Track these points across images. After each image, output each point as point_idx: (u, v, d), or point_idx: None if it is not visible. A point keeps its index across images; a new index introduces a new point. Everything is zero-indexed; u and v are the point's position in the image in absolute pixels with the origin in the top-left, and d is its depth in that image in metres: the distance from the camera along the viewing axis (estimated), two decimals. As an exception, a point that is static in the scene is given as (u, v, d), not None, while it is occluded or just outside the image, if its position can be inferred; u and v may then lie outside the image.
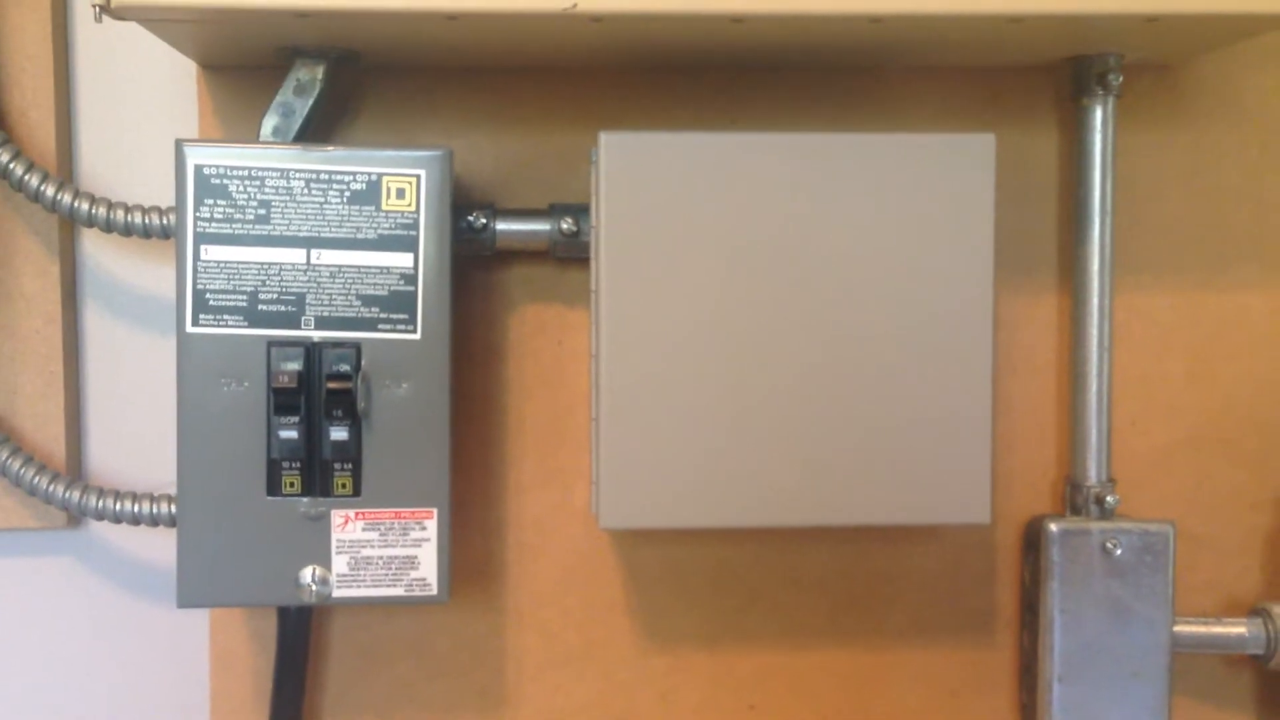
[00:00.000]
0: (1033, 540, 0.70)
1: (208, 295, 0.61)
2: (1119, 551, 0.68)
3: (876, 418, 0.63)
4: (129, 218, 0.65)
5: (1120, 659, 0.68)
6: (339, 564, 0.62)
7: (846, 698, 0.73)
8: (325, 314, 0.61)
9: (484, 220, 0.67)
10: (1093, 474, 0.69)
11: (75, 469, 0.70)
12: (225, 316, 0.61)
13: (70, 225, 0.70)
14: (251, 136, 0.67)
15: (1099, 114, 0.69)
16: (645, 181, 0.62)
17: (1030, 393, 0.72)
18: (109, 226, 0.65)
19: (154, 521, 0.65)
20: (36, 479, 0.65)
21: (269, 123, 0.64)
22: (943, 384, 0.63)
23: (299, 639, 0.67)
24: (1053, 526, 0.68)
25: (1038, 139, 0.72)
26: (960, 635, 0.73)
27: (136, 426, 0.70)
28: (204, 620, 0.71)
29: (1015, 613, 0.73)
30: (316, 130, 0.66)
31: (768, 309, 0.62)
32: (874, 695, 0.73)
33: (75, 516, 0.70)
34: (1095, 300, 0.69)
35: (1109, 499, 0.68)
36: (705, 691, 0.72)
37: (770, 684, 0.72)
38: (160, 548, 0.71)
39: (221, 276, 0.61)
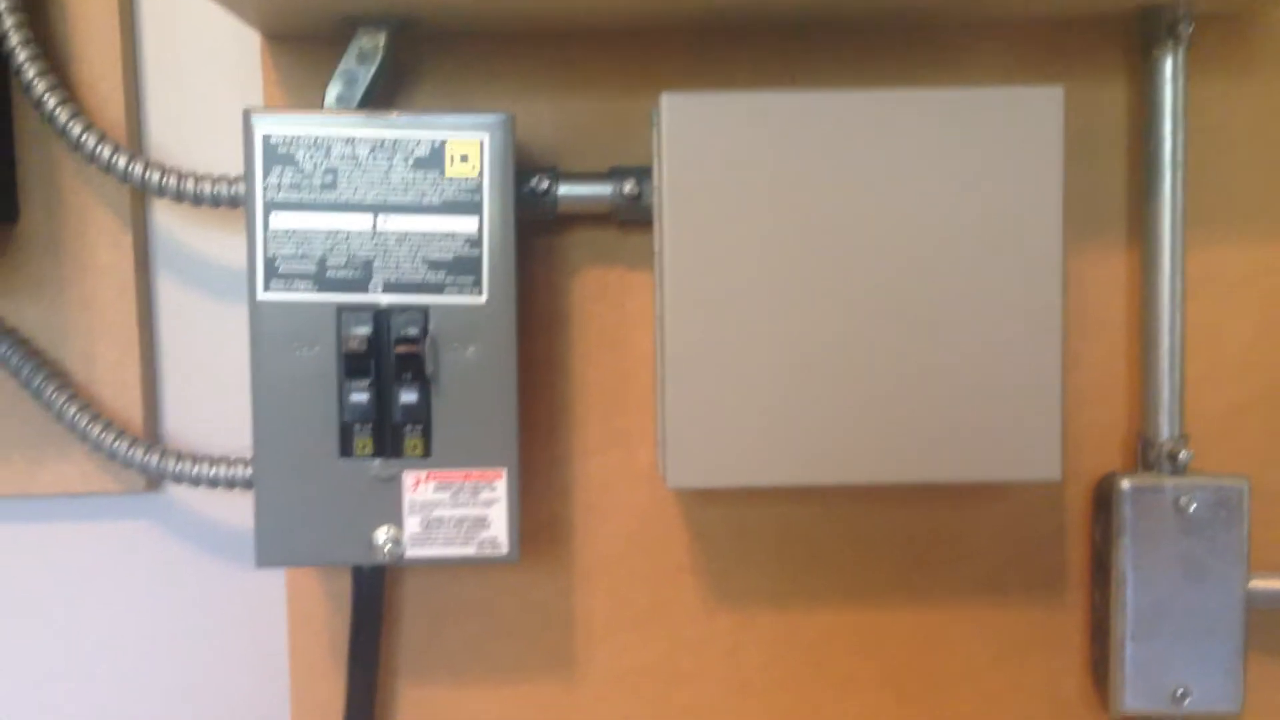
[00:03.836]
0: (1104, 498, 0.70)
1: (277, 262, 0.62)
2: (1192, 508, 0.67)
3: (945, 375, 0.62)
4: (199, 187, 0.66)
5: (1194, 616, 0.67)
6: (411, 524, 0.63)
7: (914, 656, 0.73)
8: (393, 279, 0.62)
9: (546, 184, 0.67)
10: (1165, 430, 0.68)
11: (152, 434, 0.71)
12: (295, 282, 0.62)
13: (141, 196, 0.71)
14: (315, 105, 0.68)
15: (1169, 65, 0.68)
16: (707, 142, 0.62)
17: (1099, 350, 0.71)
18: (179, 196, 0.66)
19: (230, 484, 0.67)
20: (116, 444, 0.67)
21: (333, 91, 0.65)
22: (1012, 340, 0.62)
23: (374, 599, 0.69)
24: (1124, 483, 0.68)
25: (1105, 92, 0.71)
26: (1029, 594, 0.72)
27: (209, 392, 0.72)
28: (281, 581, 0.72)
29: (1085, 571, 0.72)
30: (379, 98, 0.66)
31: (833, 267, 0.62)
32: (942, 654, 0.73)
33: (154, 480, 0.71)
34: (1166, 255, 0.68)
35: (1182, 455, 0.67)
36: (772, 650, 0.73)
37: (837, 643, 0.73)
38: (236, 510, 0.72)
39: (290, 243, 0.62)
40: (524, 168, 0.67)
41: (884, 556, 0.72)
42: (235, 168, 0.69)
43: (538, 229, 0.70)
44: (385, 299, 0.62)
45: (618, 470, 0.71)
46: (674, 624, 0.72)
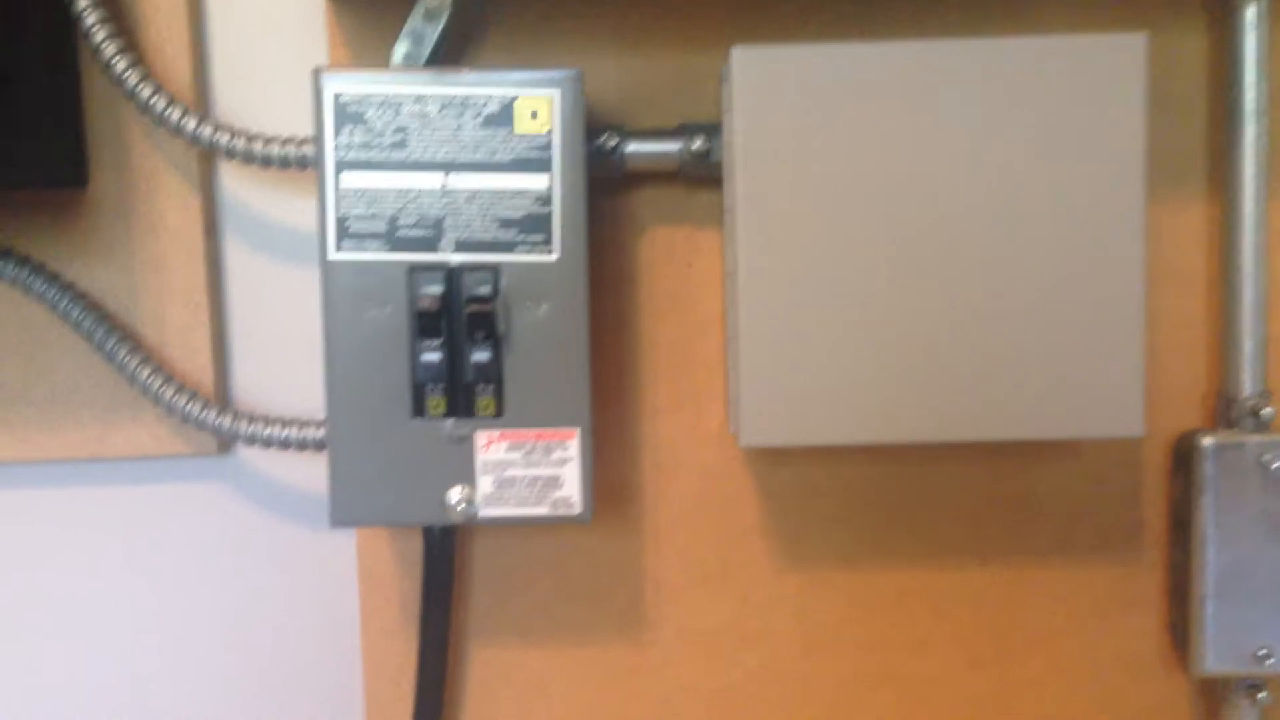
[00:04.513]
0: (1183, 456, 0.68)
1: (348, 222, 0.61)
2: (1275, 465, 0.66)
3: (1024, 331, 0.61)
4: (267, 149, 0.65)
5: (1276, 575, 0.66)
6: (484, 484, 0.63)
7: (988, 617, 0.72)
8: (463, 237, 0.62)
9: (614, 142, 0.66)
10: (1247, 386, 0.67)
11: (222, 397, 0.72)
12: (366, 242, 0.61)
13: (208, 158, 0.71)
14: (380, 65, 0.67)
15: (1251, 11, 0.66)
16: (780, 96, 0.61)
17: (1178, 305, 0.70)
18: (249, 158, 0.66)
19: (302, 446, 0.67)
20: (188, 406, 0.67)
21: (400, 50, 0.65)
22: (1093, 293, 0.61)
23: (444, 560, 0.69)
24: (1206, 441, 0.66)
25: (1184, 40, 0.69)
26: (1105, 553, 0.71)
27: (277, 354, 0.72)
28: (351, 542, 0.73)
29: (1163, 530, 0.71)
30: (445, 57, 0.66)
31: (908, 222, 0.61)
32: (1016, 614, 0.72)
33: (225, 442, 0.72)
34: (1249, 207, 0.67)
35: (1265, 411, 0.66)
36: (842, 611, 0.72)
37: (909, 603, 0.72)
38: (307, 472, 0.73)
39: (361, 203, 0.61)
40: (590, 125, 0.66)
41: (956, 516, 0.71)
42: (299, 129, 0.69)
43: (603, 188, 0.69)
44: (456, 258, 0.62)
45: (686, 430, 0.71)
46: (743, 585, 0.72)
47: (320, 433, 0.67)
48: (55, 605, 0.74)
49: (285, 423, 0.67)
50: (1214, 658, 0.67)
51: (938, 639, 0.72)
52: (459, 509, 0.62)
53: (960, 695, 0.73)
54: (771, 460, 0.71)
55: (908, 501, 0.71)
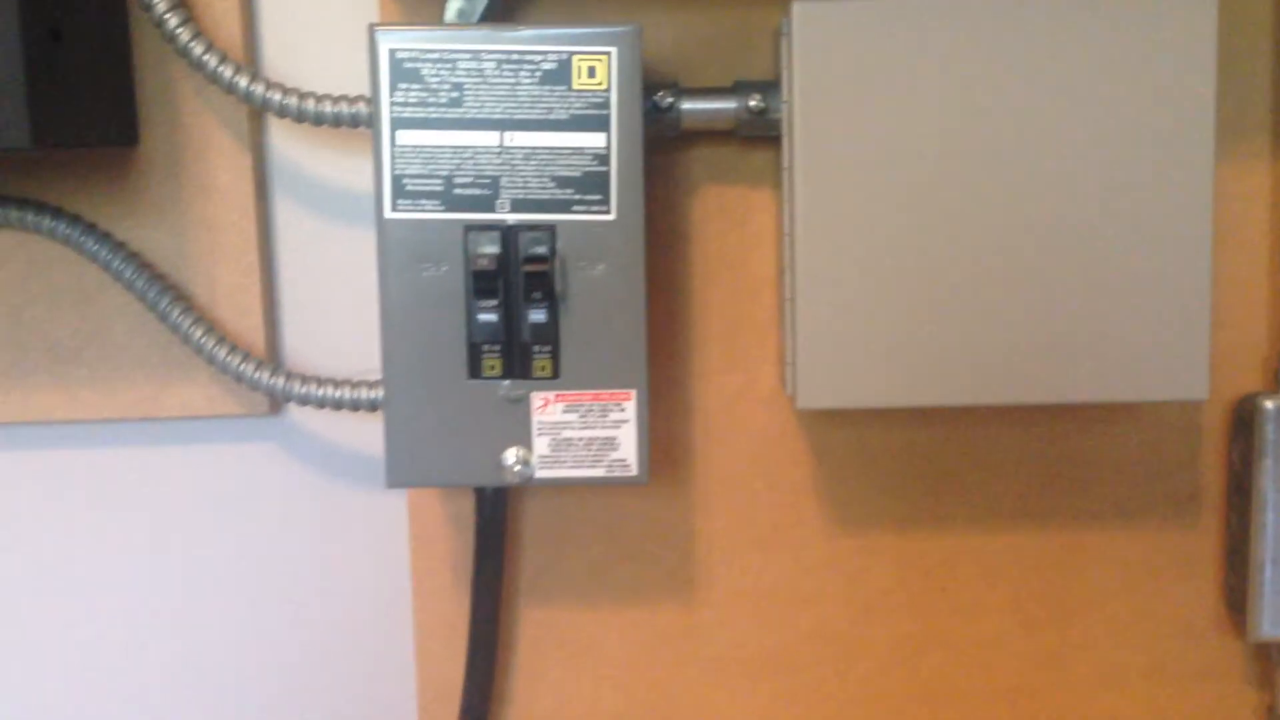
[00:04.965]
0: (1244, 419, 0.67)
1: (405, 180, 0.61)
2: (1340, 429, 0.65)
3: (1087, 292, 0.60)
4: (319, 107, 0.65)
5: (1339, 540, 0.65)
6: (540, 445, 0.62)
7: (1041, 581, 0.72)
8: (520, 196, 0.61)
9: (670, 99, 0.66)
10: (1311, 349, 0.66)
11: (274, 356, 0.71)
12: (422, 201, 0.61)
13: (258, 117, 0.70)
14: (431, 21, 0.67)
15: (1321, -35, 0.65)
16: (839, 52, 0.60)
17: (1239, 267, 0.69)
18: (300, 116, 0.65)
19: (355, 406, 0.67)
20: (241, 366, 0.67)
21: (453, 6, 0.64)
22: (1158, 255, 0.60)
23: (497, 521, 0.69)
24: (1268, 404, 0.65)
25: (1251, -5, 0.67)
26: (1161, 518, 0.71)
27: (329, 315, 0.72)
28: (402, 504, 0.73)
29: (1221, 495, 0.70)
30: (497, 14, 0.65)
31: (971, 179, 0.60)
32: (1070, 578, 0.72)
33: (278, 402, 0.72)
34: (1315, 166, 0.65)
35: (1329, 375, 0.65)
36: (895, 574, 0.72)
37: (962, 567, 0.72)
38: (358, 433, 0.73)
39: (417, 161, 0.61)
40: (644, 83, 0.65)
41: (1010, 479, 0.71)
42: (349, 87, 0.68)
43: (656, 146, 0.69)
44: (512, 217, 0.61)
45: (739, 392, 0.70)
46: (795, 547, 0.72)
47: (372, 393, 0.66)
48: (107, 565, 0.74)
49: (337, 383, 0.67)
50: (1271, 623, 0.67)
51: (990, 602, 0.72)
52: (515, 470, 0.62)
53: (1012, 658, 0.72)
54: (825, 422, 0.71)
55: (962, 465, 0.71)
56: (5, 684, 0.75)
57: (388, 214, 0.61)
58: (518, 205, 0.61)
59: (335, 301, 0.72)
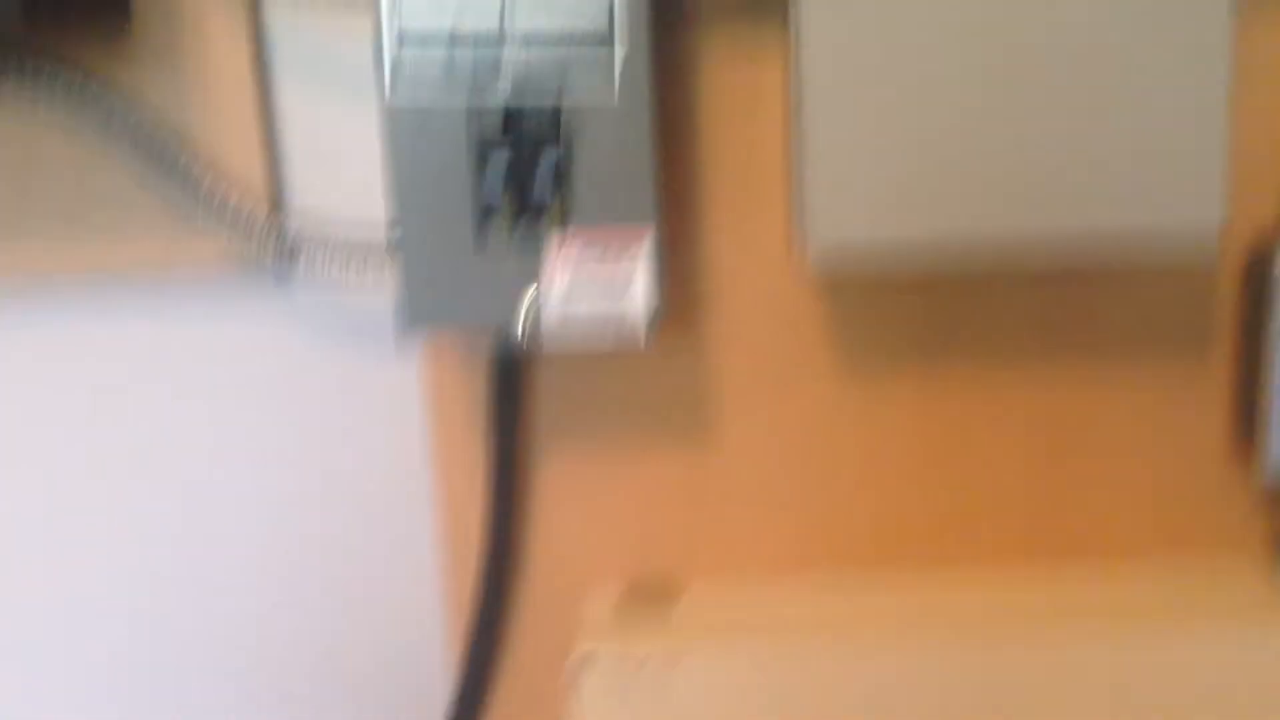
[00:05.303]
0: (1257, 262, 0.67)
1: (409, 18, 0.60)
2: (1355, 258, 0.65)
3: (1103, 114, 0.59)
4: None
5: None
6: (554, 287, 0.62)
7: (1050, 419, 0.72)
8: (529, 29, 0.60)
9: (676, -67, 0.64)
10: (1329, 178, 0.66)
11: (281, 211, 0.71)
12: (429, 39, 0.60)
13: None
14: None
15: None
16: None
17: (1261, 102, 0.67)
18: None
19: (364, 259, 0.66)
20: (251, 219, 0.67)
21: None
22: (1174, 79, 0.59)
23: (511, 370, 0.69)
24: (1283, 238, 0.65)
25: None
26: (1175, 351, 0.71)
27: (335, 186, 0.71)
28: (413, 362, 0.73)
29: (1235, 330, 0.70)
30: None
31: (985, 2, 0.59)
32: (1082, 427, 0.72)
33: (287, 257, 0.71)
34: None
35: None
36: (903, 420, 0.72)
37: (974, 419, 0.72)
38: (367, 289, 0.73)
39: (423, 1, 0.59)
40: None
41: (1023, 335, 0.71)
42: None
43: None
44: (522, 54, 0.60)
45: (750, 243, 0.70)
46: (807, 395, 0.72)
47: (383, 243, 0.66)
48: (117, 430, 0.75)
49: (348, 233, 0.66)
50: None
51: (1005, 449, 0.73)
52: (529, 313, 0.62)
53: (1020, 496, 0.74)
54: (834, 274, 0.70)
55: (973, 319, 0.71)
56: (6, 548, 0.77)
57: (392, 53, 0.60)
58: (527, 42, 0.60)
59: (342, 151, 0.71)
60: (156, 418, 0.75)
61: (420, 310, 0.63)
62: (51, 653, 0.78)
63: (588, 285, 0.62)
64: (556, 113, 0.60)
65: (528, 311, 0.62)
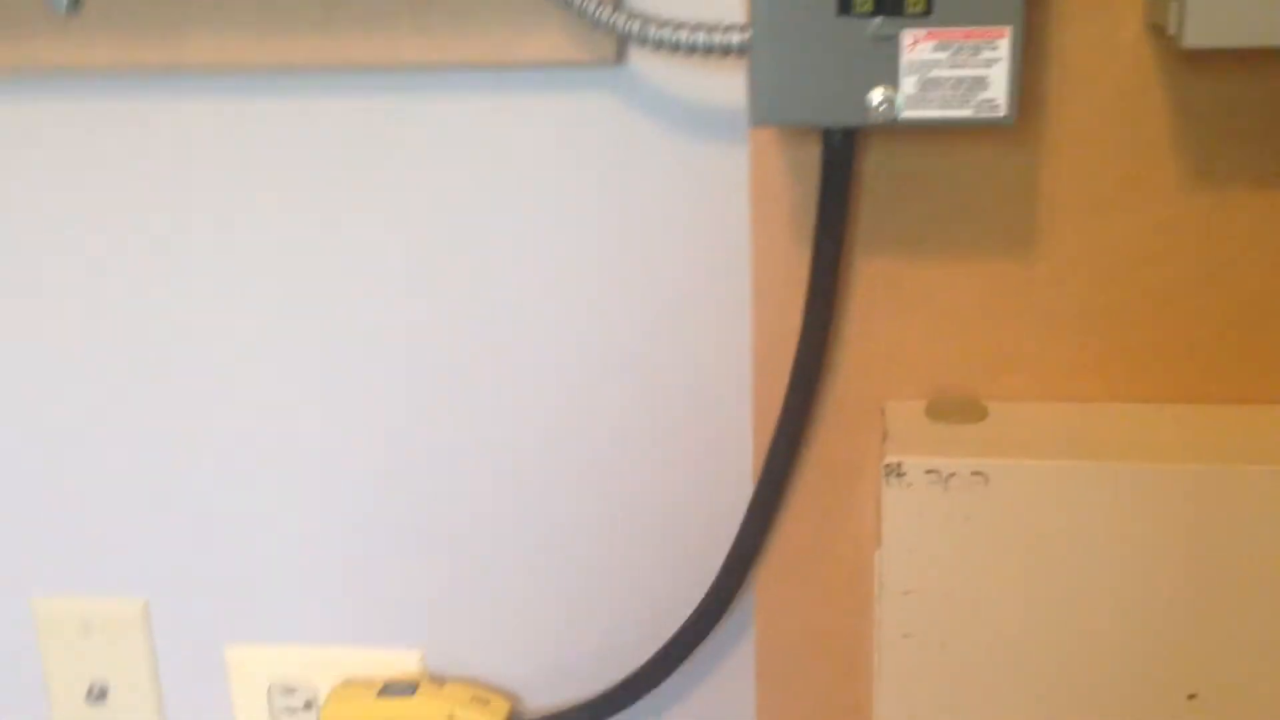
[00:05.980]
0: None
1: None
2: None
3: None
4: None
5: None
6: (907, 85, 0.61)
7: None
8: None
9: None
10: None
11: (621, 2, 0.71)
12: None
13: None
14: None
15: None
16: None
17: None
18: None
19: (710, 49, 0.66)
20: (594, 8, 0.67)
21: None
22: None
23: (844, 166, 0.69)
24: None
25: None
26: None
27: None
28: (744, 152, 0.73)
29: None
30: None
31: None
32: None
33: (626, 48, 0.72)
34: None
35: None
36: (1251, 234, 0.69)
37: (1326, 227, 0.69)
38: (702, 83, 0.73)
39: None
40: None
41: (1393, 135, 0.66)
42: None
43: None
44: None
45: (1098, 38, 0.67)
46: (1145, 203, 0.70)
47: (730, 36, 0.66)
48: (444, 212, 0.78)
49: (694, 26, 0.66)
50: None
51: (1350, 266, 0.69)
52: (880, 110, 0.62)
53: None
54: (1191, 71, 0.67)
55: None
56: (326, 323, 0.82)
57: None
58: None
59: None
60: (491, 205, 0.78)
61: (769, 103, 0.63)
62: (351, 436, 0.84)
63: (942, 85, 0.61)
64: (922, -100, 0.58)
65: (878, 108, 0.62)
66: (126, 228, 0.81)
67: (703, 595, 0.80)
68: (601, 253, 0.78)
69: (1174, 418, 0.72)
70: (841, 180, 0.69)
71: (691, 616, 0.80)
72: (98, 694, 0.90)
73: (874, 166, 0.71)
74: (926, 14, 0.60)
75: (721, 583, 0.78)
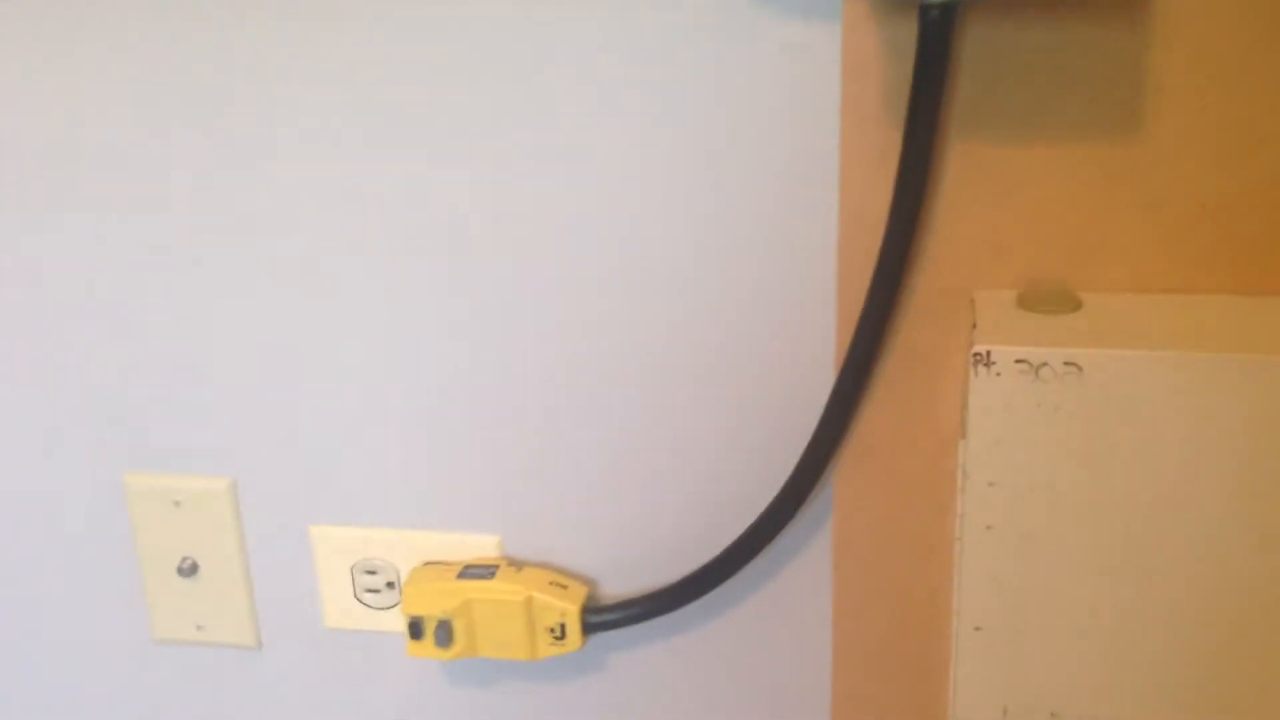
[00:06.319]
0: None
1: None
2: None
3: None
4: None
5: None
6: (1011, -52, 0.58)
7: None
8: None
9: None
10: None
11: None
12: None
13: None
14: None
15: None
16: None
17: None
18: None
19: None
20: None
21: None
22: None
23: (941, 41, 0.66)
24: None
25: None
26: None
27: None
28: (835, 28, 0.71)
29: None
30: None
31: None
32: None
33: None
34: None
35: None
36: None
37: None
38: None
39: None
40: None
41: None
42: None
43: None
44: None
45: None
46: (1262, 83, 0.66)
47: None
48: (524, 100, 0.77)
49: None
50: None
51: None
52: (981, -23, 0.59)
53: None
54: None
55: None
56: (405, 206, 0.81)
57: None
58: None
59: None
60: (576, 77, 0.76)
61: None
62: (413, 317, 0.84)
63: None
64: None
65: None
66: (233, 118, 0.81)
67: (780, 485, 0.79)
68: (688, 130, 0.75)
69: (1282, 312, 0.69)
70: (938, 58, 0.66)
71: (770, 506, 0.79)
72: (189, 568, 0.93)
73: (973, 44, 0.68)
74: None
75: (800, 472, 0.77)
